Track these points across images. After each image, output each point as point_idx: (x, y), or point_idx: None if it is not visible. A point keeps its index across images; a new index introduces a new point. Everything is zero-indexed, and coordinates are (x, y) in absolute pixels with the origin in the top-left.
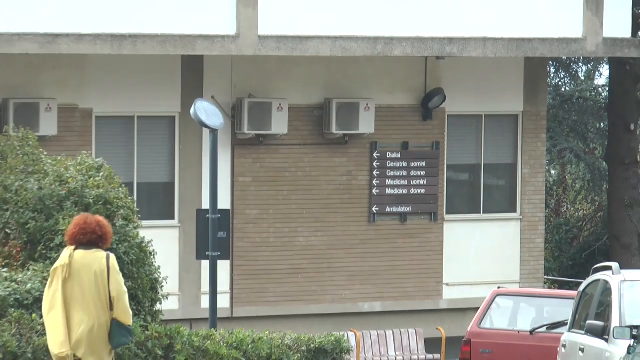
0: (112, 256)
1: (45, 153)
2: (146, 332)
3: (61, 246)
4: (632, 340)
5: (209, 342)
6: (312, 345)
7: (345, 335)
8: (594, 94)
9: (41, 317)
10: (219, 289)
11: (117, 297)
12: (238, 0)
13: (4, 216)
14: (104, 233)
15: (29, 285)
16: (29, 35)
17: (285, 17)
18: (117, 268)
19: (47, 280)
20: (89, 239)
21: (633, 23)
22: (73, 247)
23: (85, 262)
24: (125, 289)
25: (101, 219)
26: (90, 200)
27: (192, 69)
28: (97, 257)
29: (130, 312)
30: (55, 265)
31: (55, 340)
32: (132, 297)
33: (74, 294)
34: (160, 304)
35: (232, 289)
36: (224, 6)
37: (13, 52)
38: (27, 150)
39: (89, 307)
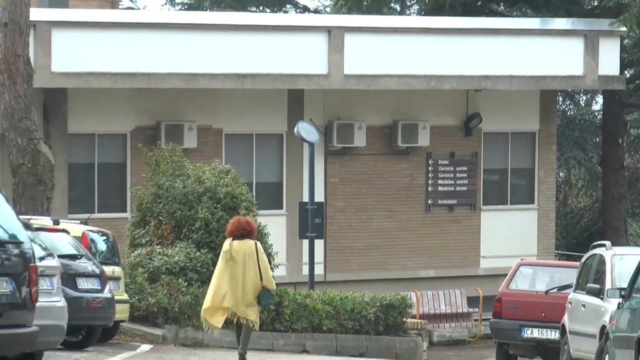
0: (259, 243)
1: (187, 161)
2: None
3: (200, 229)
4: (621, 299)
5: (308, 299)
6: (384, 302)
7: (409, 294)
8: (591, 116)
9: (186, 282)
10: (316, 260)
11: (264, 270)
12: (329, 49)
13: (158, 207)
14: (252, 228)
15: (176, 258)
16: (175, 75)
17: (363, 61)
18: (263, 251)
19: (190, 254)
20: (241, 233)
21: (621, 64)
22: (231, 239)
23: (240, 248)
24: (269, 265)
25: (249, 219)
26: (221, 196)
27: (295, 99)
28: (248, 245)
29: (274, 281)
30: (221, 251)
31: (219, 299)
32: None
33: (234, 270)
34: (273, 271)
35: (325, 260)
36: (319, 53)
37: (164, 87)
38: (174, 159)
39: (243, 278)
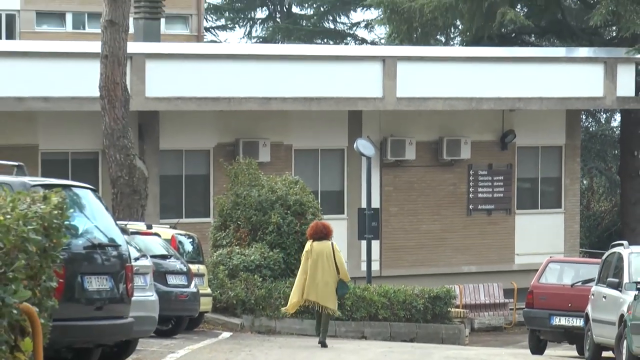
0: (335, 243)
1: (262, 173)
2: None
3: (272, 232)
4: (637, 291)
5: (366, 292)
6: (432, 294)
7: (453, 287)
8: (610, 132)
9: (261, 278)
10: (372, 258)
11: (340, 266)
12: (384, 75)
13: (237, 213)
14: (328, 231)
15: (252, 257)
16: (252, 99)
17: (413, 85)
18: (339, 249)
19: (264, 253)
20: (319, 235)
21: (636, 87)
22: (312, 240)
23: (320, 248)
24: (344, 262)
25: (326, 223)
26: (291, 203)
27: (354, 118)
28: (326, 245)
29: (348, 274)
30: (303, 252)
31: (301, 293)
32: None
33: (315, 267)
34: None
35: (380, 257)
36: (375, 79)
37: (241, 109)
38: (250, 171)
39: (324, 273)
